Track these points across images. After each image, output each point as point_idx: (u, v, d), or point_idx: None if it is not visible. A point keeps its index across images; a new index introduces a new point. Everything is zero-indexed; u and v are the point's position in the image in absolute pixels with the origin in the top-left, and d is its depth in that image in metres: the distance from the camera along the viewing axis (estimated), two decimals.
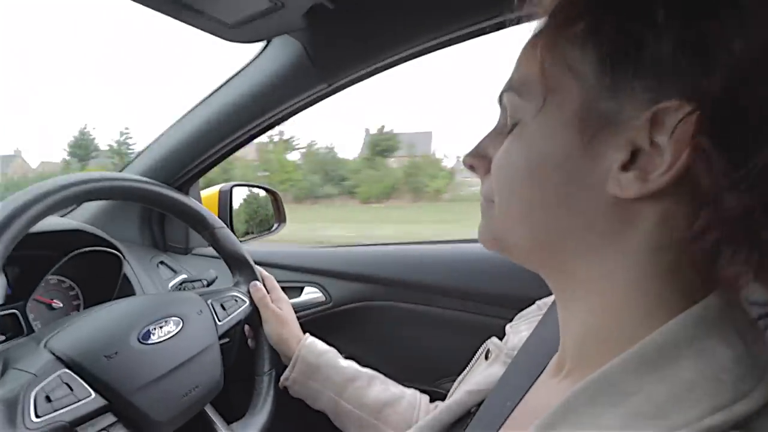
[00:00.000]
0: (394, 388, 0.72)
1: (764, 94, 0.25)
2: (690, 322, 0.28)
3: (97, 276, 0.84)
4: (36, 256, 0.75)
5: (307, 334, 0.78)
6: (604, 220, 0.31)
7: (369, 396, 0.70)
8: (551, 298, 0.51)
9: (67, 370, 0.50)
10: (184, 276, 0.97)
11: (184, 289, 0.83)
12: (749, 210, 0.26)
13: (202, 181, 1.08)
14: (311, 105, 0.85)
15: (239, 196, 1.18)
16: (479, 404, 0.45)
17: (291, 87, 0.82)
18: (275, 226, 1.22)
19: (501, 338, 0.53)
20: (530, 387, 0.41)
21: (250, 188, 1.20)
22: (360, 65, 0.78)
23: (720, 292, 0.29)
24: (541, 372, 0.41)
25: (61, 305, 0.82)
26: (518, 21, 0.37)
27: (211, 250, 1.08)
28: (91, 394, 0.50)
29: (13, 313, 0.71)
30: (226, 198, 1.12)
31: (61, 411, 0.47)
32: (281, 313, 0.78)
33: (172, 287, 0.96)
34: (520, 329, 0.52)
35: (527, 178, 0.33)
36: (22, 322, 0.73)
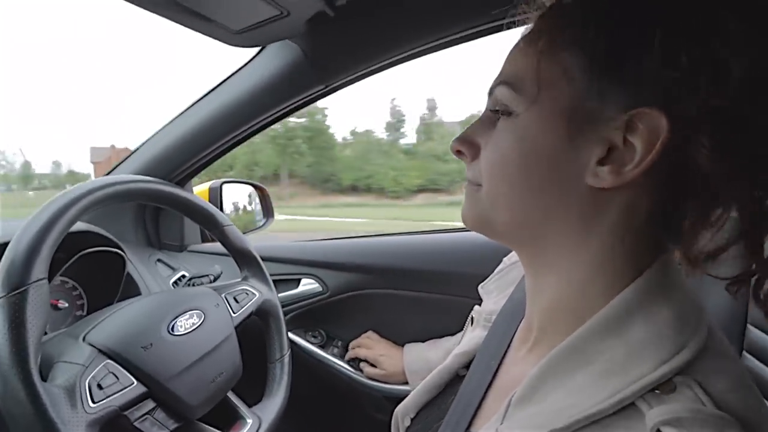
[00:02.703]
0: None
1: (754, 113, 0.29)
2: (640, 290, 0.33)
3: (100, 276, 0.86)
4: None
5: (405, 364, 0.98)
6: (579, 207, 0.34)
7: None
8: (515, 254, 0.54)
9: (111, 361, 0.53)
10: (183, 273, 1.00)
11: (192, 285, 0.85)
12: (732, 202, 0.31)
13: None
14: (307, 105, 0.90)
15: (228, 192, 1.20)
16: (466, 366, 0.49)
17: (288, 88, 0.86)
18: (263, 221, 1.24)
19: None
20: (505, 352, 0.45)
21: (239, 184, 1.23)
22: (357, 67, 0.82)
23: (662, 262, 0.34)
24: (513, 336, 0.46)
25: (67, 305, 0.83)
26: (511, 25, 0.41)
27: (205, 247, 1.11)
28: (133, 382, 0.54)
29: None
30: (216, 195, 1.14)
31: (112, 397, 0.51)
32: (386, 373, 1.00)
33: (172, 284, 0.98)
34: (490, 288, 0.57)
35: (517, 165, 0.36)
36: None
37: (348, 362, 1.05)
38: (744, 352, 0.67)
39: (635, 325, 0.32)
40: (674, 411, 0.27)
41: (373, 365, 1.02)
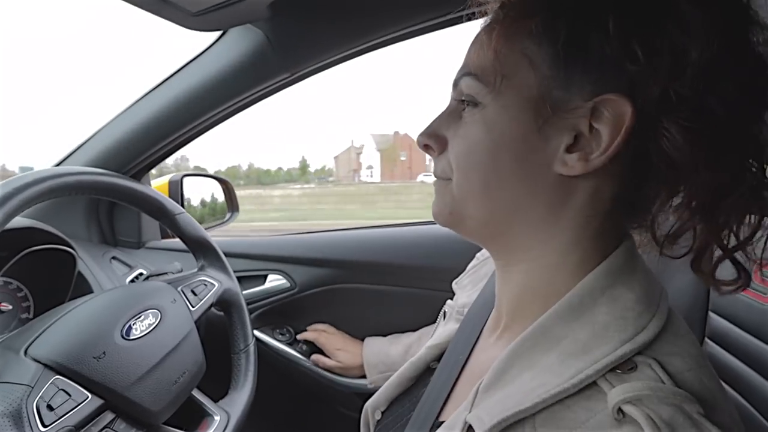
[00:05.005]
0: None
1: (714, 102, 0.29)
2: (602, 275, 0.34)
3: (48, 276, 0.80)
4: None
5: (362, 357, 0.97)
6: (548, 195, 0.35)
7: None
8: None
9: (60, 377, 0.48)
10: (140, 270, 0.94)
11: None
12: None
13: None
14: (273, 93, 0.85)
15: (189, 186, 1.14)
16: (437, 358, 0.49)
17: (252, 75, 0.81)
18: (228, 216, 1.20)
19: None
20: (476, 342, 0.45)
21: (201, 178, 1.17)
22: (322, 55, 0.79)
23: (624, 246, 0.35)
24: (483, 327, 0.46)
25: (11, 308, 0.77)
26: (479, 15, 0.39)
27: (164, 243, 1.06)
28: (88, 396, 0.49)
29: None
30: (176, 189, 1.08)
31: (65, 417, 0.46)
32: (343, 366, 0.98)
33: (128, 283, 0.92)
34: (464, 283, 0.57)
35: (486, 155, 0.35)
36: None
37: (299, 345, 1.03)
38: (706, 339, 0.69)
39: (599, 308, 0.33)
40: (634, 389, 0.28)
41: (327, 357, 1.00)
